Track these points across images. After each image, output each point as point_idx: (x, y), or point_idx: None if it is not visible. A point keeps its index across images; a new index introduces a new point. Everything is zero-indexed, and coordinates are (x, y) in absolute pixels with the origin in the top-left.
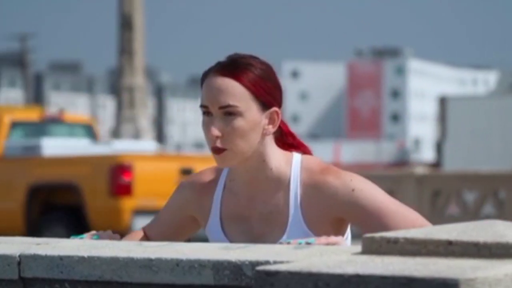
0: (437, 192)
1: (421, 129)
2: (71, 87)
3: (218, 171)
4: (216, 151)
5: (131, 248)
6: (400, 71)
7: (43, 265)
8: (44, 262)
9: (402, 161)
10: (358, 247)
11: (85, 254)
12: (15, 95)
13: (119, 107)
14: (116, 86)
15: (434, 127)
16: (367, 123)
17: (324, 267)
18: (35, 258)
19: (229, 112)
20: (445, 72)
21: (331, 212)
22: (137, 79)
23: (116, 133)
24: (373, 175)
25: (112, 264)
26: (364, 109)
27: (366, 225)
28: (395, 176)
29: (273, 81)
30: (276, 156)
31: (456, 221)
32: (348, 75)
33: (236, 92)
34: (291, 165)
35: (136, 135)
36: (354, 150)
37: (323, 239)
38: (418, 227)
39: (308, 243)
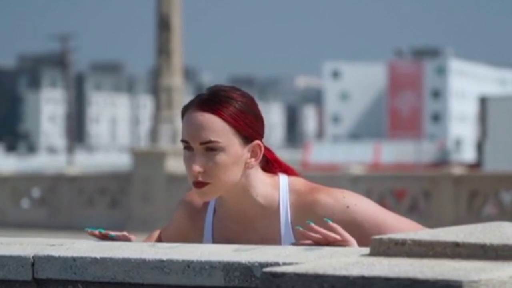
0: (474, 193)
1: (462, 129)
2: (112, 87)
3: None
4: (198, 185)
5: (144, 249)
6: (441, 71)
7: (56, 266)
8: (58, 263)
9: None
10: (367, 249)
11: (97, 255)
12: (56, 95)
13: (157, 108)
14: (155, 87)
15: (475, 127)
16: (407, 123)
17: (330, 269)
18: (49, 259)
19: (211, 148)
20: (485, 72)
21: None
22: (175, 80)
23: (154, 134)
24: (412, 176)
25: (124, 265)
26: (405, 109)
27: (363, 240)
28: (433, 176)
29: (254, 113)
30: (262, 184)
31: (493, 221)
32: (388, 75)
33: (216, 128)
34: (278, 189)
35: (174, 136)
36: (394, 151)
37: (340, 228)
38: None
39: (326, 220)
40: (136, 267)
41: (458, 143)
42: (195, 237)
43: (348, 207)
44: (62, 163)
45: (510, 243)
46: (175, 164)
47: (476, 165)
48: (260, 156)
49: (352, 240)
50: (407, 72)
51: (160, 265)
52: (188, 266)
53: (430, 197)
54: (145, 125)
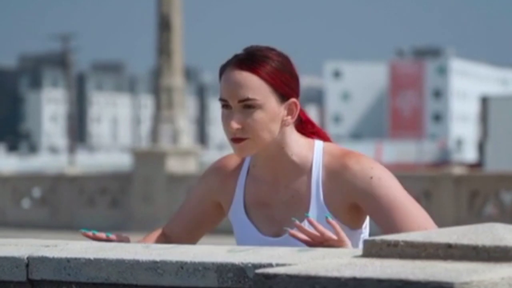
0: (475, 193)
1: (463, 129)
2: (113, 87)
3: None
4: (236, 140)
5: (137, 250)
6: (442, 71)
7: (50, 267)
8: (52, 264)
9: (444, 161)
10: (360, 250)
11: (91, 256)
12: (57, 95)
13: (158, 108)
14: (155, 87)
15: (476, 127)
16: (409, 123)
17: (322, 270)
18: (43, 260)
19: (248, 105)
20: (487, 71)
21: (348, 198)
22: (176, 80)
23: (154, 134)
24: (412, 176)
25: (118, 266)
26: (406, 109)
27: (375, 215)
28: (433, 176)
29: (290, 72)
30: (297, 143)
31: (494, 221)
32: (390, 75)
33: (254, 86)
34: (313, 151)
35: (174, 136)
36: (395, 150)
37: (337, 225)
38: (424, 228)
39: (327, 217)
40: (129, 268)
41: (459, 143)
42: (224, 201)
43: (371, 178)
44: (63, 163)
45: (502, 245)
46: (176, 164)
47: (477, 165)
48: (296, 114)
49: (347, 241)
50: (408, 72)
51: (154, 266)
52: (181, 267)
53: (430, 197)
54: (146, 125)
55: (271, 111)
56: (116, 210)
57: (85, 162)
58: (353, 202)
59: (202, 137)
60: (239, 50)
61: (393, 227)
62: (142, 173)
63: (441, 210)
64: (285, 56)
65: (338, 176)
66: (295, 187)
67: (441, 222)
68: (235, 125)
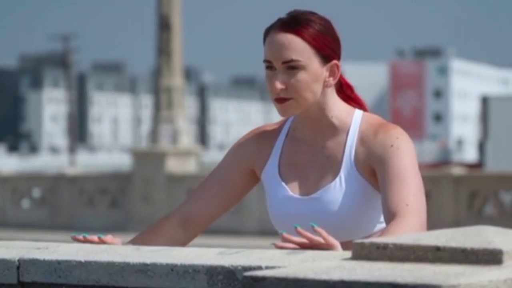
0: (475, 193)
1: (464, 129)
2: (114, 87)
3: (281, 123)
4: (280, 100)
5: (128, 253)
6: (443, 71)
7: (41, 270)
8: (43, 267)
9: (444, 161)
10: (349, 253)
11: (82, 258)
12: (58, 95)
13: (157, 108)
14: (155, 87)
15: (477, 127)
16: (409, 123)
17: (310, 273)
18: (34, 262)
19: (292, 66)
20: (488, 71)
21: (369, 160)
22: (175, 80)
23: (154, 134)
24: None
25: (108, 269)
26: (407, 109)
27: (380, 181)
28: (433, 176)
29: (332, 35)
30: (338, 107)
31: (493, 222)
32: (390, 75)
33: (298, 47)
34: (352, 116)
35: (174, 136)
36: None
37: (324, 232)
38: (406, 203)
39: (313, 226)
40: (120, 271)
41: (460, 143)
42: (259, 165)
43: (391, 146)
44: (64, 163)
45: (490, 248)
46: (175, 164)
47: (478, 165)
48: (338, 76)
49: (336, 244)
50: (409, 72)
51: (144, 269)
52: (171, 269)
53: (430, 198)
54: (147, 125)
55: (314, 72)
56: (116, 210)
57: (86, 162)
58: (372, 166)
59: (202, 137)
60: (239, 50)
61: (386, 194)
62: (142, 173)
63: (441, 210)
64: (327, 20)
65: (367, 140)
66: (331, 147)
67: (441, 222)
68: (279, 85)
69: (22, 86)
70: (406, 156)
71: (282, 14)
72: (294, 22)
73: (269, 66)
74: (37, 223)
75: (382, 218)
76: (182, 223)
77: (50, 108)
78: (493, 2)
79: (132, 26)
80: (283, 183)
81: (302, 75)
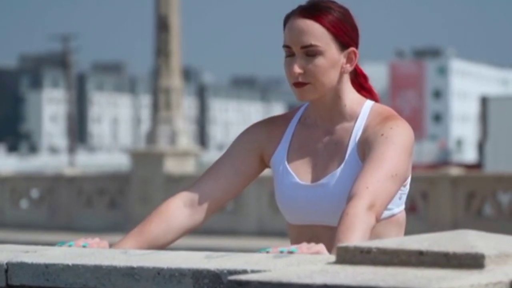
0: (472, 194)
1: (463, 129)
2: (113, 87)
3: (293, 111)
4: (298, 84)
5: (115, 256)
6: (442, 71)
7: (29, 273)
8: (30, 270)
9: (444, 162)
10: (334, 257)
11: (69, 262)
12: (58, 95)
13: (156, 109)
14: (154, 87)
15: (477, 128)
16: (409, 123)
17: (294, 277)
18: (22, 266)
19: (311, 52)
20: (487, 72)
21: (364, 146)
22: (174, 80)
23: (152, 135)
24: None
25: (95, 272)
26: (406, 109)
27: (363, 164)
28: (431, 177)
29: (351, 23)
30: (351, 95)
31: (491, 222)
32: (390, 75)
33: (317, 33)
34: (362, 106)
35: (173, 137)
36: None
37: (305, 248)
38: (366, 186)
39: (290, 252)
40: (107, 274)
41: (459, 143)
42: (267, 151)
43: (382, 135)
44: (63, 163)
45: (473, 252)
46: (174, 165)
47: (477, 166)
48: (355, 63)
49: (322, 250)
50: (409, 72)
51: (131, 272)
52: (158, 273)
53: (427, 198)
54: (146, 126)
55: (332, 58)
56: (114, 211)
57: (85, 162)
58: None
59: (202, 137)
60: (239, 50)
61: (356, 178)
62: (140, 174)
63: (439, 211)
64: (346, 8)
65: (368, 130)
66: (339, 135)
67: (438, 223)
68: (297, 69)
69: (22, 86)
70: (390, 145)
71: (281, 13)
72: (314, 9)
73: (289, 51)
74: (36, 224)
75: (389, 205)
76: (190, 204)
77: (50, 108)
78: (493, 2)
79: (132, 26)
80: (291, 170)
81: (320, 61)
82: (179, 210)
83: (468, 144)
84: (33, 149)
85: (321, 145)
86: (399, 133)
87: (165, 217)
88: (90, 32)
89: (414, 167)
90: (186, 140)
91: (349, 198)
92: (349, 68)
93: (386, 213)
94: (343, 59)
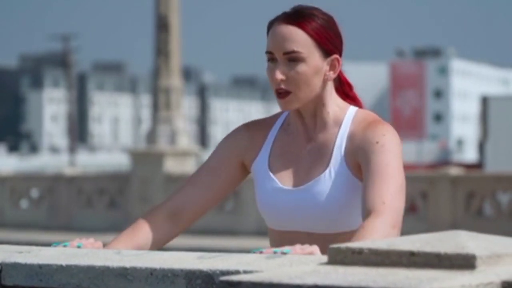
0: (472, 194)
1: (464, 129)
2: (114, 87)
3: (275, 116)
4: (281, 94)
5: (108, 256)
6: (443, 71)
7: (23, 273)
8: (24, 270)
9: (444, 162)
10: (326, 257)
11: (63, 262)
12: (58, 95)
13: (156, 108)
14: (154, 87)
15: (477, 128)
16: (409, 123)
17: (285, 277)
18: (16, 266)
19: (293, 58)
20: (488, 72)
21: (356, 156)
22: (174, 80)
23: (152, 134)
24: (409, 176)
25: (89, 273)
26: (407, 109)
27: (363, 177)
28: (430, 177)
29: (335, 30)
30: (334, 102)
31: (491, 222)
32: (390, 75)
33: (300, 39)
34: (345, 112)
35: (172, 137)
36: None
37: (298, 249)
38: (382, 200)
39: (283, 253)
40: (100, 274)
41: (460, 143)
42: (249, 157)
43: (377, 143)
44: (64, 163)
45: (464, 252)
46: (174, 165)
47: (477, 166)
48: (338, 70)
49: (315, 251)
50: (409, 72)
51: (124, 273)
52: (151, 273)
53: (427, 198)
54: (147, 125)
55: (315, 65)
56: (114, 210)
57: (86, 162)
58: (358, 161)
59: (203, 137)
60: (239, 49)
61: (365, 191)
62: (140, 174)
63: (438, 211)
64: (330, 16)
65: (356, 136)
66: (322, 141)
67: (437, 223)
68: (279, 75)
69: (23, 86)
70: (390, 154)
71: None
72: (297, 15)
73: (271, 58)
74: (36, 224)
75: None
76: (171, 215)
77: (50, 108)
78: (493, 2)
79: (132, 26)
80: (272, 175)
81: (302, 67)
82: (161, 222)
83: (469, 144)
84: (34, 149)
85: (304, 151)
86: (392, 140)
87: (149, 229)
88: (91, 32)
89: (414, 167)
90: (186, 140)
91: (367, 213)
92: (332, 75)
93: None
94: (326, 67)
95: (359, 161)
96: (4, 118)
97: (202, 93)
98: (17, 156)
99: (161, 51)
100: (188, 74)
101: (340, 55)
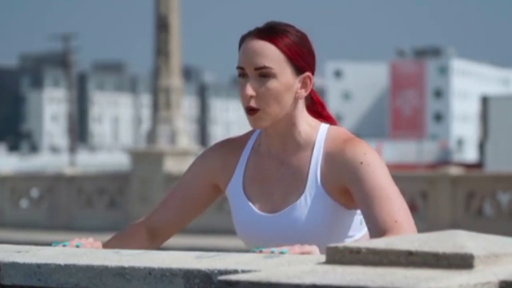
0: (472, 193)
1: (464, 129)
2: (114, 86)
3: (247, 135)
4: (250, 111)
5: (107, 256)
6: (443, 71)
7: (21, 273)
8: (23, 270)
9: (444, 162)
10: (324, 257)
11: (62, 262)
12: (59, 95)
13: (156, 108)
14: (154, 87)
15: (477, 127)
16: (409, 123)
17: (283, 277)
18: (14, 266)
19: (264, 74)
20: (488, 71)
21: (340, 180)
22: (174, 80)
23: (152, 134)
24: (409, 176)
25: (87, 272)
26: (407, 109)
27: (357, 199)
28: (430, 177)
29: (308, 48)
30: (305, 121)
31: (490, 222)
32: (390, 75)
33: (271, 55)
34: (317, 132)
35: (172, 136)
36: (396, 150)
37: (297, 248)
38: (395, 219)
39: (281, 253)
40: (99, 274)
41: (460, 143)
42: (223, 179)
43: (361, 163)
44: (64, 163)
45: (462, 252)
46: (174, 165)
47: (477, 165)
48: (310, 88)
49: (313, 250)
50: (409, 72)
51: (122, 272)
52: (149, 273)
53: (427, 198)
54: (147, 125)
55: (286, 81)
56: (114, 210)
57: (86, 162)
58: (344, 185)
59: (203, 137)
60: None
61: (368, 214)
62: (140, 174)
63: (438, 211)
64: (303, 33)
65: (334, 159)
66: (296, 164)
67: (437, 223)
68: (249, 91)
69: (23, 85)
70: (378, 171)
71: (282, 12)
72: (270, 31)
73: (242, 73)
74: (36, 223)
75: (351, 232)
76: (149, 232)
77: (51, 108)
78: (493, 2)
79: (132, 26)
80: (248, 200)
81: (273, 84)
82: (143, 235)
83: (469, 144)
84: (34, 148)
85: (277, 174)
86: (374, 156)
87: (135, 240)
88: (91, 32)
89: (414, 167)
90: (186, 139)
91: (382, 234)
92: (303, 93)
93: (348, 241)
94: (297, 84)
95: (347, 186)
96: (4, 117)
97: (202, 93)
98: (17, 156)
99: (161, 51)
100: (188, 74)
101: (313, 73)
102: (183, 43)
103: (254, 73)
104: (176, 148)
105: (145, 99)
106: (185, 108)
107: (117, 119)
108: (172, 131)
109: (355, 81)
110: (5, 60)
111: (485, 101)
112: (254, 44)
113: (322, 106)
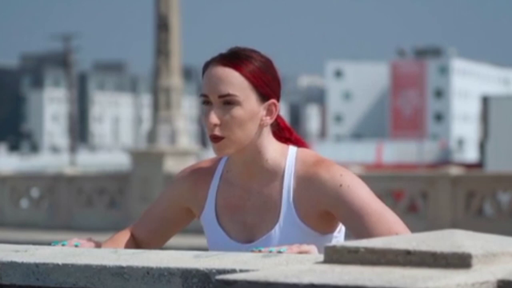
0: (472, 193)
1: (464, 129)
2: (115, 86)
3: (215, 162)
4: (214, 139)
5: (105, 255)
6: (444, 71)
7: (19, 272)
8: (21, 269)
9: (445, 161)
10: (322, 256)
11: (60, 261)
12: (59, 94)
13: (156, 108)
14: (154, 87)
15: (478, 127)
16: (410, 123)
17: (281, 276)
18: (12, 265)
19: (228, 101)
20: (489, 71)
21: (319, 205)
22: (174, 80)
23: (152, 134)
24: (409, 176)
25: (85, 272)
26: (407, 109)
27: (346, 222)
28: (430, 176)
29: (273, 74)
30: (272, 148)
31: (491, 222)
32: (391, 75)
33: (235, 82)
34: (286, 157)
35: (172, 136)
36: (396, 150)
37: (295, 247)
38: (394, 232)
39: (279, 252)
40: (97, 273)
41: (460, 143)
42: (196, 206)
43: (341, 185)
44: (65, 163)
45: (460, 251)
46: (174, 164)
47: (478, 165)
48: (275, 115)
49: (312, 250)
50: (410, 71)
51: (120, 271)
52: (147, 272)
53: (427, 198)
54: (147, 125)
55: (250, 109)
56: (114, 210)
57: (87, 161)
58: (324, 209)
59: (203, 137)
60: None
61: (364, 233)
62: (140, 174)
63: (438, 211)
64: (268, 59)
65: (309, 184)
66: (267, 193)
67: (437, 223)
68: (214, 119)
69: (23, 85)
70: (360, 190)
71: (283, 13)
72: (234, 57)
73: (206, 100)
74: (36, 223)
75: None
76: (135, 243)
77: (51, 108)
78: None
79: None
80: (222, 229)
81: (237, 111)
82: (133, 243)
83: (469, 144)
84: (35, 148)
85: (248, 204)
86: (349, 175)
87: (128, 245)
88: (91, 32)
89: (415, 167)
90: (186, 139)
91: None
92: (269, 120)
93: None
94: (262, 111)
95: (325, 208)
96: (5, 117)
97: None
98: (17, 155)
99: (161, 51)
100: (188, 74)
101: (278, 99)
102: (183, 43)
103: (218, 101)
104: (176, 148)
105: (146, 99)
106: (185, 108)
107: (117, 119)
108: (172, 131)
109: (355, 81)
110: (5, 60)
111: (485, 101)
112: (218, 71)
113: (290, 131)
